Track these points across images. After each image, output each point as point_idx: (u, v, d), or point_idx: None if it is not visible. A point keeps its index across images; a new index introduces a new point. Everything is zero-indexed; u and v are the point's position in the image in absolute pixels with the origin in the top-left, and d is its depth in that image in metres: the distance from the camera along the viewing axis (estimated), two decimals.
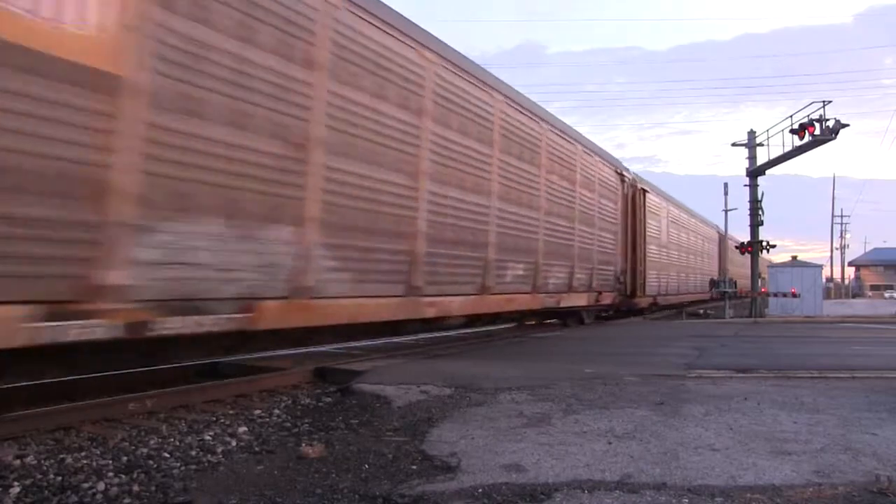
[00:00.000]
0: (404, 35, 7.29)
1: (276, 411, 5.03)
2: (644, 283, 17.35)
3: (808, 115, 17.18)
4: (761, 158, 20.11)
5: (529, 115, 10.48)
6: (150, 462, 3.67)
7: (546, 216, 11.02)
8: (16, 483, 3.24)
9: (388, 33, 6.98)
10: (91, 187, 4.13)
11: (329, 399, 5.50)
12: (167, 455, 3.80)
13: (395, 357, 7.56)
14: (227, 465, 3.69)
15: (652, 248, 18.28)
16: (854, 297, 54.05)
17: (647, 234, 17.71)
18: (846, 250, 68.26)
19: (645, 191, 17.83)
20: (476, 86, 8.82)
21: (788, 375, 6.45)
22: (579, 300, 13.00)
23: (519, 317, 12.51)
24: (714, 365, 7.21)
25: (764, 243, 20.73)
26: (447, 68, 8.13)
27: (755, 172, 20.52)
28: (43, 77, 3.86)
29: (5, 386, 4.87)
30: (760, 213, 20.43)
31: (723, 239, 30.84)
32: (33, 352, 3.94)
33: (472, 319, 9.74)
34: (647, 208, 17.78)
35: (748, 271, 25.68)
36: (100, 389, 5.29)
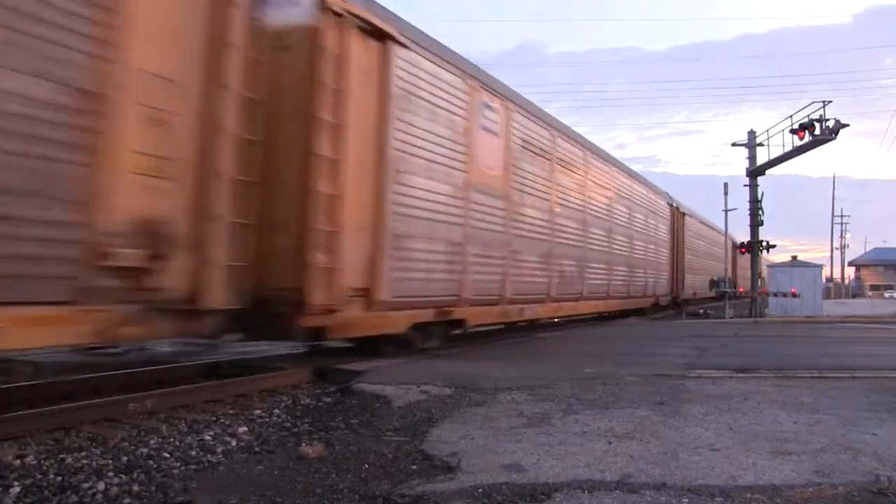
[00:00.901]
0: None
1: (276, 411, 5.02)
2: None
3: (808, 116, 17.20)
4: (761, 158, 20.12)
5: None
6: (150, 462, 3.66)
7: None
8: (16, 483, 3.24)
9: None
10: None
11: (329, 399, 5.50)
12: (167, 455, 3.80)
13: (395, 357, 7.55)
14: (227, 465, 3.69)
15: (417, 185, 7.57)
16: (854, 297, 54.07)
17: (398, 147, 7.21)
18: (846, 250, 68.38)
19: (382, 33, 6.82)
20: None
21: (788, 375, 6.45)
22: None
23: None
24: (714, 365, 7.21)
25: (764, 243, 20.73)
26: None
27: (755, 172, 20.52)
28: None
29: (5, 386, 4.88)
30: (760, 213, 20.43)
31: (679, 217, 21.56)
32: None
33: None
34: (393, 79, 7.10)
35: (722, 266, 24.70)
36: (100, 389, 5.29)
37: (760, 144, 20.26)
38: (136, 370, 5.96)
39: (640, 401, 5.02)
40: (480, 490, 2.99)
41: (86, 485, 3.24)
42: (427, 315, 7.86)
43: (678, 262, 21.27)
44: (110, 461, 3.63)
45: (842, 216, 64.20)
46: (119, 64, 4.30)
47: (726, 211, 21.82)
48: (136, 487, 3.23)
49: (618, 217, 15.02)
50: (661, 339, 11.13)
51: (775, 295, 20.98)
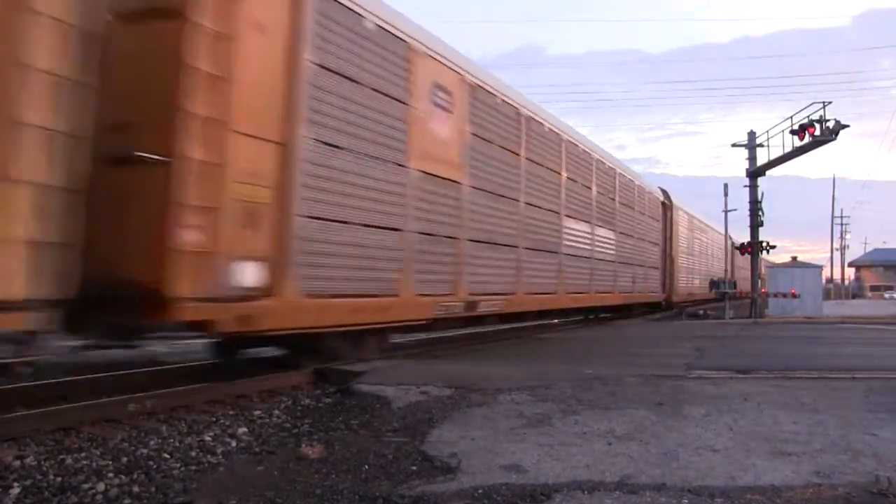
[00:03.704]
0: None
1: (276, 412, 5.03)
2: None
3: (808, 116, 17.18)
4: (761, 159, 20.10)
5: None
6: (150, 463, 3.67)
7: None
8: (16, 484, 3.24)
9: None
10: None
11: (329, 400, 5.50)
12: (167, 456, 3.81)
13: (395, 357, 7.55)
14: (227, 465, 3.69)
15: None
16: (854, 297, 54.04)
17: None
18: (846, 251, 68.25)
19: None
20: None
21: (788, 376, 6.45)
22: None
23: None
24: (714, 365, 7.21)
25: (764, 244, 20.74)
26: None
27: (755, 173, 20.51)
28: None
29: (5, 386, 4.88)
30: (760, 213, 20.42)
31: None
32: None
33: None
34: None
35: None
36: (100, 389, 5.29)
37: (760, 145, 20.25)
38: (136, 370, 5.97)
39: (640, 401, 5.02)
40: (480, 491, 2.99)
41: (86, 485, 3.25)
42: None
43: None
44: (110, 462, 3.63)
45: (842, 217, 64.07)
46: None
47: (726, 212, 21.86)
48: (135, 488, 3.23)
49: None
50: (661, 340, 11.13)
51: (775, 296, 20.99)
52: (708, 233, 27.76)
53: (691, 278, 23.79)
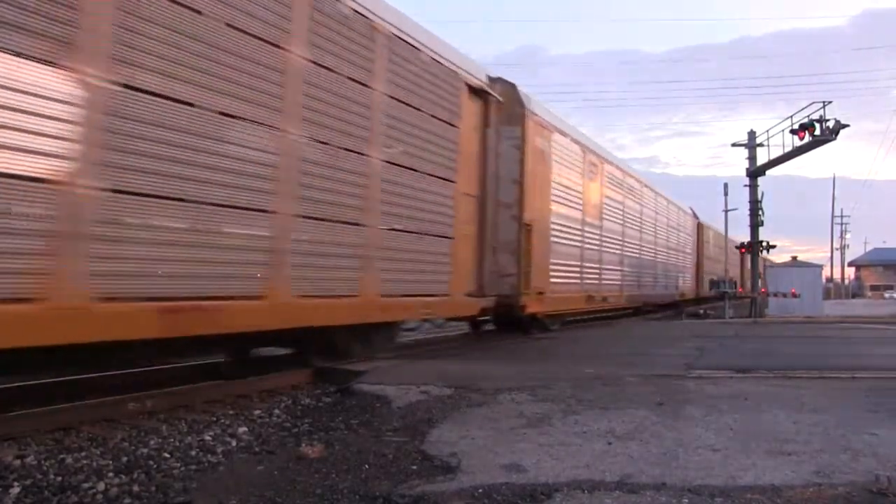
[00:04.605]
0: None
1: (276, 411, 5.03)
2: None
3: (808, 116, 17.18)
4: (761, 159, 20.12)
5: None
6: (150, 462, 3.67)
7: None
8: (16, 483, 3.24)
9: None
10: None
11: (329, 399, 5.51)
12: (167, 455, 3.81)
13: (395, 357, 7.55)
14: (227, 465, 3.70)
15: None
16: (854, 297, 54.07)
17: None
18: (846, 250, 68.27)
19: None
20: None
21: (788, 375, 6.45)
22: None
23: None
24: (714, 365, 7.21)
25: (764, 243, 20.75)
26: None
27: (755, 173, 20.52)
28: None
29: (5, 386, 4.88)
30: (760, 213, 20.43)
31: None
32: None
33: None
34: None
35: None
36: (100, 389, 5.28)
37: (760, 145, 20.26)
38: (136, 370, 5.96)
39: (640, 401, 5.02)
40: (480, 490, 2.99)
41: (86, 485, 3.25)
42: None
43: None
44: (110, 461, 3.63)
45: (842, 216, 64.07)
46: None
47: (726, 211, 21.87)
48: (136, 488, 3.23)
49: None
50: (660, 340, 11.13)
51: (775, 295, 20.99)
52: (645, 197, 17.37)
53: (597, 271, 13.36)
